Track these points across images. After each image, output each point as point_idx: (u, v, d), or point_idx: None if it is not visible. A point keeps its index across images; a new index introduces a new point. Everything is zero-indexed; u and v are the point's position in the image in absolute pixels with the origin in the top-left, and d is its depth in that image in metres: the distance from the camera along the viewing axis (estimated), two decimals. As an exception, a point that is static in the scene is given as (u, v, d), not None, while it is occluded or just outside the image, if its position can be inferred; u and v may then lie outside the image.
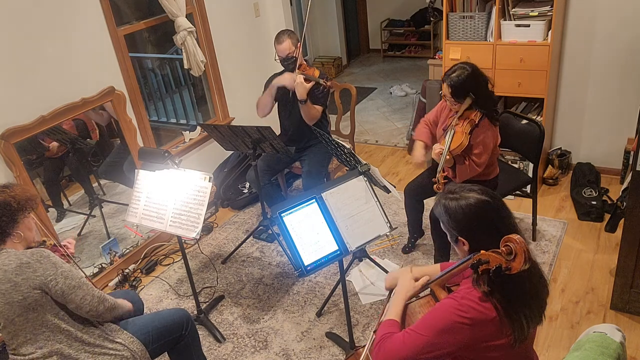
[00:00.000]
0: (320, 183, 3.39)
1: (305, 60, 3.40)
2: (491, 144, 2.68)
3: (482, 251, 1.45)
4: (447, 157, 2.64)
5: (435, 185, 2.68)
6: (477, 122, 2.63)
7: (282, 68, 3.44)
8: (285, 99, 3.43)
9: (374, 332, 1.83)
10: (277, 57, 3.32)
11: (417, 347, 1.49)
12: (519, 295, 1.47)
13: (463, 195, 1.54)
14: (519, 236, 1.38)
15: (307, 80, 3.19)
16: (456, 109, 2.67)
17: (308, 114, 3.30)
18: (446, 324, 1.47)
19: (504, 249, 1.40)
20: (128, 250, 3.53)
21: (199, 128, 4.05)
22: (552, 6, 3.27)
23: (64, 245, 2.26)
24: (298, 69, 3.29)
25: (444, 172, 2.72)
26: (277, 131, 3.62)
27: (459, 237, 1.55)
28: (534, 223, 3.25)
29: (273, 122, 3.52)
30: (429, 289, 1.73)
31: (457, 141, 2.63)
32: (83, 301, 1.94)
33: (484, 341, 1.48)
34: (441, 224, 1.63)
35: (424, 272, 1.80)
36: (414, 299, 1.78)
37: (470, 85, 2.56)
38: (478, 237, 1.51)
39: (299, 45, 3.30)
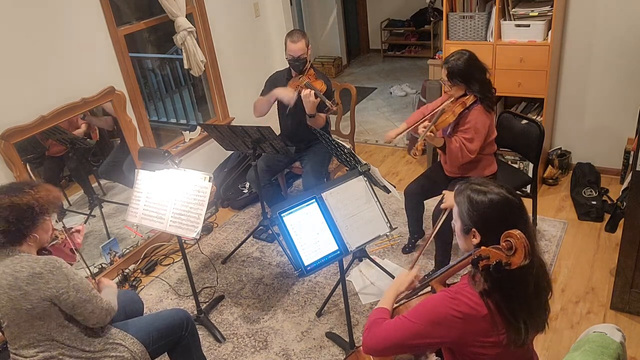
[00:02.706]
0: (320, 183, 3.38)
1: (311, 65, 3.37)
2: (483, 131, 2.72)
3: (482, 247, 1.45)
4: (432, 132, 2.67)
5: (412, 151, 2.73)
6: (468, 105, 2.71)
7: (283, 67, 3.43)
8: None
9: None
10: (287, 56, 3.29)
11: (407, 333, 1.51)
12: (520, 294, 1.47)
13: (491, 189, 1.52)
14: (519, 231, 1.37)
15: (315, 95, 3.14)
16: (451, 93, 2.75)
17: (315, 123, 3.28)
18: (438, 315, 1.48)
19: (504, 244, 1.39)
20: (128, 250, 3.53)
21: (199, 128, 4.05)
22: (552, 6, 3.27)
23: (76, 231, 2.23)
24: (304, 74, 3.27)
25: (424, 145, 2.75)
26: (277, 131, 3.62)
27: (473, 229, 1.52)
28: (534, 223, 3.26)
29: (273, 122, 3.53)
30: (429, 286, 1.74)
31: (443, 117, 2.71)
32: (92, 315, 1.95)
33: (475, 337, 1.48)
34: (455, 212, 1.59)
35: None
36: (414, 296, 1.79)
37: (466, 69, 2.67)
38: (494, 233, 1.47)
39: (310, 47, 3.29)
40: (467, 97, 2.71)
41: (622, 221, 2.65)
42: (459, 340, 1.49)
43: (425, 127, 2.70)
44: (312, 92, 3.11)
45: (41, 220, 1.93)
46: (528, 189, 3.18)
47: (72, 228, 2.28)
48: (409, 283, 1.78)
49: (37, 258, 1.90)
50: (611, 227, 3.29)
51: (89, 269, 2.30)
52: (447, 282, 1.73)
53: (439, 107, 2.80)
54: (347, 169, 2.84)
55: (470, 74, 2.68)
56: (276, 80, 3.50)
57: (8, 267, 1.84)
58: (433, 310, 1.50)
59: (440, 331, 1.48)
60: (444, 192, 2.06)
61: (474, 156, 2.75)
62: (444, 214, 1.96)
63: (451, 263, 1.65)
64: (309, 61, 3.30)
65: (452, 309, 1.47)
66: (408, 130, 2.97)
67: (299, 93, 3.20)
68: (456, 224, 1.61)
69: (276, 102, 3.51)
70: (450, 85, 2.72)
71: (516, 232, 1.37)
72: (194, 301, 2.92)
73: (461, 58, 2.67)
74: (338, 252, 2.23)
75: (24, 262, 1.86)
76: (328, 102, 3.12)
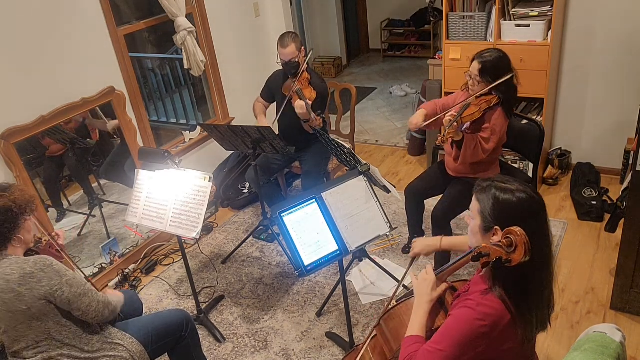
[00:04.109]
0: (320, 183, 3.39)
1: (307, 65, 3.36)
2: (499, 132, 2.71)
3: (483, 244, 1.45)
4: (457, 123, 2.64)
5: (440, 137, 2.65)
6: (492, 104, 2.68)
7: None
8: (281, 102, 3.42)
9: (375, 327, 1.83)
10: (279, 60, 3.30)
11: None
12: (529, 288, 1.46)
13: (517, 187, 1.50)
14: (519, 228, 1.37)
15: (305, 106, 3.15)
16: (477, 89, 2.69)
17: (308, 127, 3.31)
18: (469, 334, 1.45)
19: (504, 240, 1.39)
20: (128, 250, 3.53)
21: (199, 128, 4.05)
22: (552, 6, 3.27)
23: (54, 235, 2.24)
24: (297, 78, 3.25)
25: (448, 138, 2.69)
26: (277, 131, 3.61)
27: (496, 227, 1.48)
28: (534, 223, 3.25)
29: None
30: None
31: (470, 111, 2.66)
32: (89, 308, 1.94)
33: (500, 342, 1.48)
34: (476, 209, 1.56)
35: (453, 243, 1.92)
36: (399, 300, 1.78)
37: (499, 68, 2.64)
38: None
39: (302, 49, 3.27)
40: (493, 96, 2.68)
41: (622, 221, 2.65)
42: (486, 350, 1.46)
43: (451, 117, 2.65)
44: (303, 103, 3.12)
45: (22, 220, 1.94)
46: (528, 189, 3.18)
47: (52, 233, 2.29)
48: (433, 286, 1.66)
49: (26, 259, 1.89)
50: (611, 227, 3.29)
51: (81, 270, 2.29)
52: (448, 279, 1.73)
53: (461, 101, 2.75)
54: (347, 169, 2.84)
55: (502, 74, 2.64)
56: (273, 81, 3.52)
57: None
58: (462, 332, 1.46)
59: (471, 347, 1.45)
60: (413, 240, 2.06)
61: (486, 157, 2.74)
62: (411, 263, 1.97)
63: (452, 260, 1.64)
64: (303, 64, 3.28)
65: (480, 325, 1.44)
66: (432, 119, 2.84)
67: (291, 98, 3.23)
68: (474, 221, 1.57)
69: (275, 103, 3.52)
70: (478, 81, 2.67)
71: (517, 229, 1.37)
72: (194, 301, 2.92)
73: (495, 56, 2.63)
74: (338, 252, 2.23)
75: (13, 265, 1.85)
76: (313, 115, 3.14)
